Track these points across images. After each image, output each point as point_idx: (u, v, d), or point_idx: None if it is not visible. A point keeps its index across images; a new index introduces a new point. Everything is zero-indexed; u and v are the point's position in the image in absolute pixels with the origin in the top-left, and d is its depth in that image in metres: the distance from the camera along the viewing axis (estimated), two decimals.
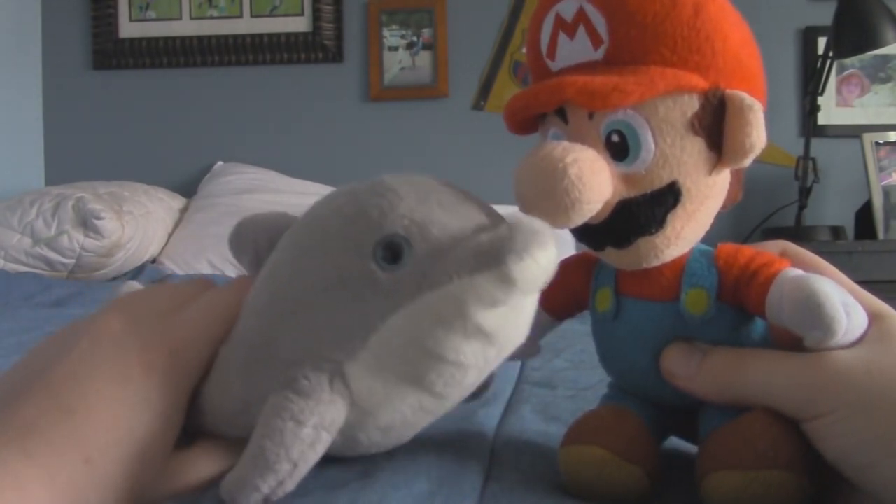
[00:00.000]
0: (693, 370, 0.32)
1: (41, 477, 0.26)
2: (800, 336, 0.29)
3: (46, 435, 0.28)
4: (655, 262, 0.32)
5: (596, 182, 0.29)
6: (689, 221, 0.31)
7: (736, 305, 0.32)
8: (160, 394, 0.31)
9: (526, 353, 0.40)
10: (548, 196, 0.29)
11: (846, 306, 0.28)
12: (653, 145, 0.30)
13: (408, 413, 0.31)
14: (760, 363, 0.31)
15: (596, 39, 0.31)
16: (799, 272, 0.30)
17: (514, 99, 0.33)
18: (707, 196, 0.31)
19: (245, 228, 0.37)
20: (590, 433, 0.32)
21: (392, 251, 0.30)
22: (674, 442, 0.37)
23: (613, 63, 0.31)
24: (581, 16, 0.32)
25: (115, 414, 0.29)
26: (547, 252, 0.28)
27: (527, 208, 0.30)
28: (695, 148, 0.30)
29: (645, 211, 0.31)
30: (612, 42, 0.31)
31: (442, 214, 0.30)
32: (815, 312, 0.28)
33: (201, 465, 0.32)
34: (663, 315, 0.32)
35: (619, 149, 0.31)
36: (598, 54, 0.31)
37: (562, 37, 0.32)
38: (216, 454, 0.33)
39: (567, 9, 0.32)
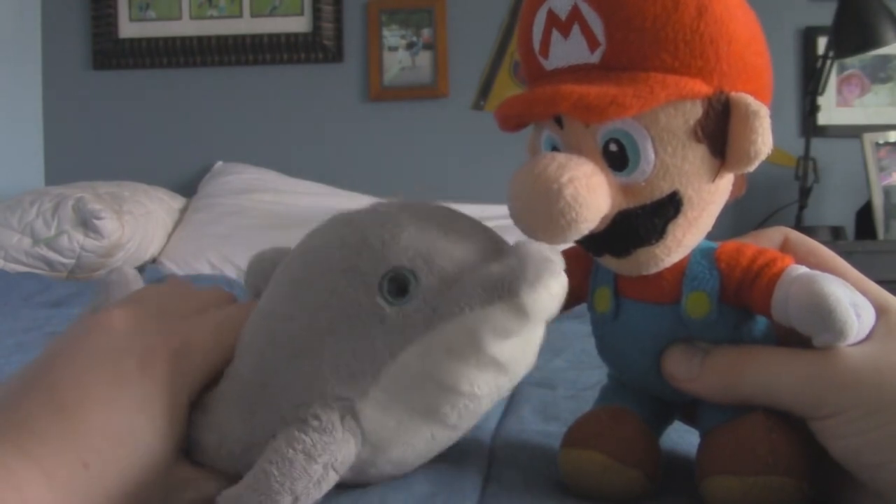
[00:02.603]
0: (695, 371, 0.31)
1: (38, 477, 0.26)
2: (807, 335, 0.29)
3: (42, 435, 0.27)
4: (654, 270, 0.31)
5: (593, 201, 0.28)
6: (689, 229, 0.30)
7: (739, 306, 0.31)
8: (157, 397, 0.30)
9: None
10: (543, 218, 0.28)
11: (856, 307, 0.28)
12: (653, 156, 0.29)
13: (420, 446, 0.31)
14: (765, 362, 0.30)
15: (592, 42, 0.29)
16: (803, 270, 0.29)
17: (507, 104, 0.32)
18: (710, 202, 0.30)
19: (251, 268, 0.36)
20: (589, 437, 0.32)
21: (398, 284, 0.29)
22: (674, 441, 0.37)
23: (611, 68, 0.29)
24: (576, 14, 0.30)
25: (110, 416, 0.29)
26: (559, 281, 0.28)
27: (522, 228, 0.30)
28: (697, 156, 0.29)
29: (644, 222, 0.30)
30: (610, 46, 0.29)
31: (445, 243, 0.30)
32: (825, 318, 0.27)
33: (208, 482, 0.31)
34: (663, 318, 0.32)
35: (617, 158, 0.29)
36: (595, 57, 0.30)
37: (555, 35, 0.31)
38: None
39: (561, 5, 0.30)
